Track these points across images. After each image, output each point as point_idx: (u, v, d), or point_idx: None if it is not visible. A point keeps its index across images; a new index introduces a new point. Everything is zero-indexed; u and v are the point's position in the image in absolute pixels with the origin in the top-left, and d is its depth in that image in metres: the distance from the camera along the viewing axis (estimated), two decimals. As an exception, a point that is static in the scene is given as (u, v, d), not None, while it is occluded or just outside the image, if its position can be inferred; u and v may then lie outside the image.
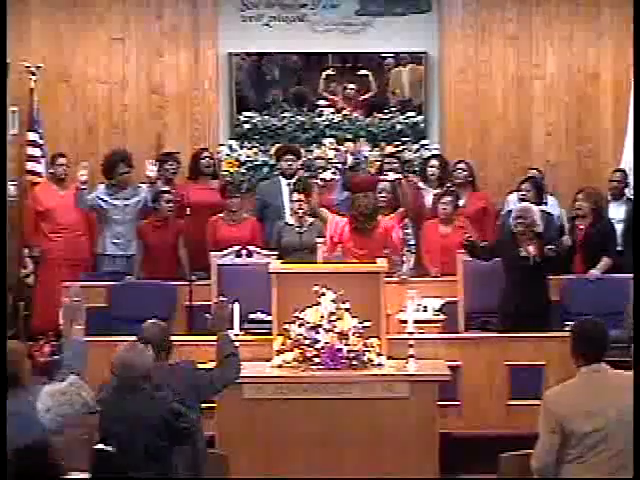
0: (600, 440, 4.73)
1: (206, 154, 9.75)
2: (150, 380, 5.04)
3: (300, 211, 8.58)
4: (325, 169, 9.83)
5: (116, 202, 9.22)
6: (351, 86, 10.65)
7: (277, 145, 10.17)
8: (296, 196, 8.63)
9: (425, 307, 7.98)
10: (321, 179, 9.68)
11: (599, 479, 4.72)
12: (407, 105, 10.64)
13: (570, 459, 4.78)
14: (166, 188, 9.20)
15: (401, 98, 10.72)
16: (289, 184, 9.22)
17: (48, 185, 9.54)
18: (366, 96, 10.71)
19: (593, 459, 4.75)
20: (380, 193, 8.87)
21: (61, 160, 9.45)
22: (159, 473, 4.84)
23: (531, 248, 7.87)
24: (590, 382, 4.86)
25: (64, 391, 4.40)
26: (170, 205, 8.95)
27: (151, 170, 9.27)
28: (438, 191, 9.46)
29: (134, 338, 5.59)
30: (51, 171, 9.55)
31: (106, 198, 9.21)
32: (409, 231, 8.91)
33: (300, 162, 9.71)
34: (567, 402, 4.81)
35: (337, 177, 9.85)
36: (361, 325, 6.83)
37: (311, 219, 8.69)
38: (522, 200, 8.94)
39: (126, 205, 9.23)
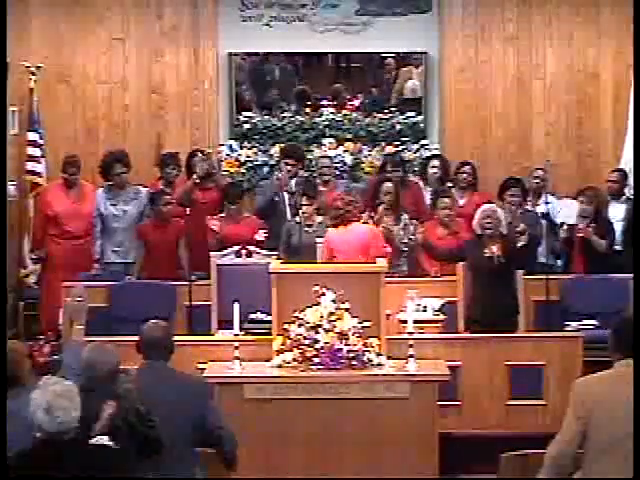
0: (619, 439, 4.69)
1: (198, 157, 9.66)
2: (116, 381, 5.04)
3: (306, 214, 8.60)
4: (326, 167, 9.82)
5: (114, 210, 9.18)
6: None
7: (281, 145, 10.16)
8: (301, 200, 8.65)
9: (425, 307, 7.97)
10: (323, 181, 9.69)
11: (607, 479, 4.69)
12: (412, 103, 10.65)
13: (588, 458, 4.73)
14: (167, 189, 9.21)
15: (409, 97, 10.73)
16: (286, 190, 9.26)
17: (59, 189, 9.46)
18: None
19: (611, 459, 4.70)
20: (385, 195, 8.87)
21: (72, 170, 9.40)
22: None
23: (494, 248, 7.78)
24: (619, 378, 4.82)
25: (64, 388, 4.40)
26: (169, 206, 8.95)
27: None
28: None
29: (136, 338, 5.60)
30: (63, 176, 9.47)
31: (107, 205, 9.16)
32: (411, 229, 8.91)
33: (301, 164, 9.70)
34: (595, 395, 4.76)
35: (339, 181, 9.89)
36: (361, 325, 6.83)
37: (320, 218, 8.72)
38: (514, 203, 9.00)
39: (125, 212, 9.19)
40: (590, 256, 8.79)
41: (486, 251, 7.80)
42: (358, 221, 8.17)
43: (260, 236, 8.82)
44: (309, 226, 8.62)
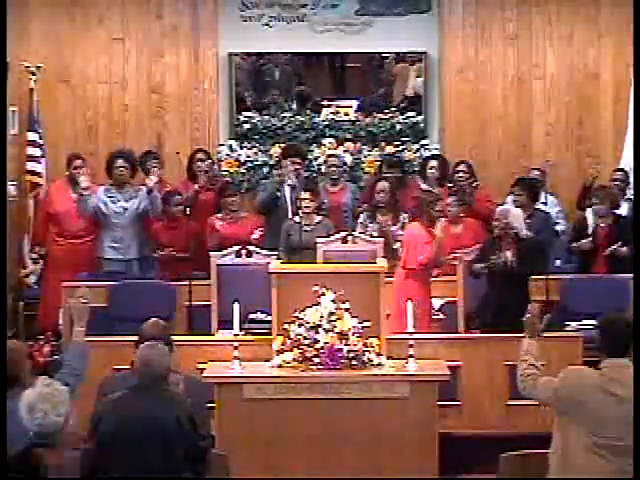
0: (606, 438, 4.70)
1: (199, 155, 9.68)
2: (167, 382, 5.02)
3: (307, 210, 8.61)
4: (334, 167, 9.81)
5: (115, 208, 9.15)
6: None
7: (281, 145, 10.15)
8: (304, 195, 8.66)
9: (425, 307, 7.97)
10: (331, 179, 9.69)
11: (603, 479, 4.70)
12: (412, 103, 10.65)
13: (571, 456, 4.75)
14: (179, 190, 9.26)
15: (408, 94, 10.74)
16: (290, 184, 9.25)
17: (64, 187, 9.44)
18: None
19: (600, 457, 4.71)
20: (379, 193, 8.88)
21: (77, 162, 9.38)
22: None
23: (508, 253, 7.68)
24: (607, 377, 4.83)
25: (51, 392, 4.40)
26: (180, 206, 8.99)
27: (151, 180, 9.15)
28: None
29: (135, 337, 5.60)
30: (67, 173, 9.43)
31: (106, 201, 9.15)
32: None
33: (303, 164, 9.70)
34: (579, 392, 4.79)
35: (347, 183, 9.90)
36: (361, 325, 6.83)
37: (319, 217, 8.73)
38: (515, 203, 8.94)
39: (125, 209, 9.17)
40: (612, 257, 8.68)
41: (499, 254, 7.72)
42: (415, 221, 8.20)
43: (255, 234, 8.83)
44: (308, 225, 8.62)
